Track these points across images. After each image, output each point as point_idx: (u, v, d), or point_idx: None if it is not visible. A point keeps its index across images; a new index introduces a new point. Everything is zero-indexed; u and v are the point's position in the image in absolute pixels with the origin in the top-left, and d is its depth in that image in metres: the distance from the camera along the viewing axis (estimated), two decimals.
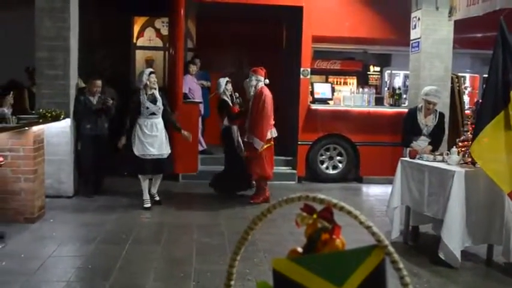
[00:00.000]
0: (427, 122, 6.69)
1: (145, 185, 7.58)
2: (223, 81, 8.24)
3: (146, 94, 7.43)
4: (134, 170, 7.63)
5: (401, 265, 1.02)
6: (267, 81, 7.99)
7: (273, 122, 8.00)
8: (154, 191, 7.82)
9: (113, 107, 8.15)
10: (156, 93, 7.51)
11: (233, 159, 8.24)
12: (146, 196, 7.58)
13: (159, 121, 7.49)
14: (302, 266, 1.04)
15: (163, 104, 7.54)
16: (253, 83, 7.90)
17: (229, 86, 8.28)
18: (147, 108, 7.38)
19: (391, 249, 1.03)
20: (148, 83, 7.40)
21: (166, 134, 7.59)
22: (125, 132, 7.48)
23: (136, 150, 7.35)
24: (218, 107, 8.33)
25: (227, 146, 8.36)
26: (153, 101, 7.44)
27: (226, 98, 8.20)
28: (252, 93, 7.90)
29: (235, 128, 8.24)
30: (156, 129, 7.44)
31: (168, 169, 7.77)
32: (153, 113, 7.43)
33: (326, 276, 1.03)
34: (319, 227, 1.09)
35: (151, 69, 7.98)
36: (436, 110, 6.71)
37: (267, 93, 7.86)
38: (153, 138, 7.40)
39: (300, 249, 1.12)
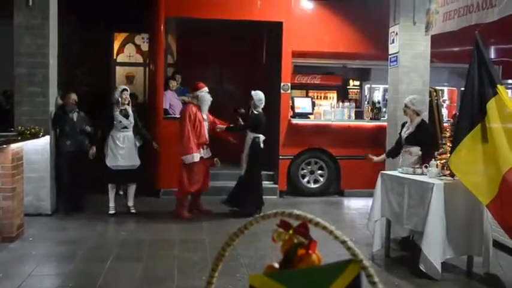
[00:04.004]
0: (406, 130, 6.77)
1: (111, 193, 8.05)
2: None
3: (119, 109, 7.94)
4: (104, 180, 8.06)
5: (376, 279, 1.03)
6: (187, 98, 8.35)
7: (204, 141, 8.04)
8: (130, 203, 8.22)
9: (92, 131, 8.24)
10: (129, 108, 8.05)
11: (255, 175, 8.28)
12: (112, 204, 8.06)
13: (130, 134, 8.02)
14: (278, 282, 1.04)
15: (134, 119, 8.03)
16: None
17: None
18: (120, 122, 7.93)
19: (366, 263, 1.04)
20: (120, 99, 7.94)
21: (136, 147, 8.08)
22: (95, 142, 8.02)
23: (109, 161, 7.88)
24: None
25: (253, 160, 8.25)
26: (126, 115, 7.99)
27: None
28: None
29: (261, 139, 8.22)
30: (128, 141, 7.98)
31: (138, 179, 8.17)
32: (125, 127, 7.98)
33: None
34: (295, 242, 1.10)
35: (124, 86, 8.38)
36: (420, 120, 6.81)
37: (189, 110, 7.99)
38: (124, 150, 7.93)
39: (276, 265, 1.13)
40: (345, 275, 1.05)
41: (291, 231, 1.11)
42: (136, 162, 8.04)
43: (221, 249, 1.14)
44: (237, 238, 1.13)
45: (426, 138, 6.71)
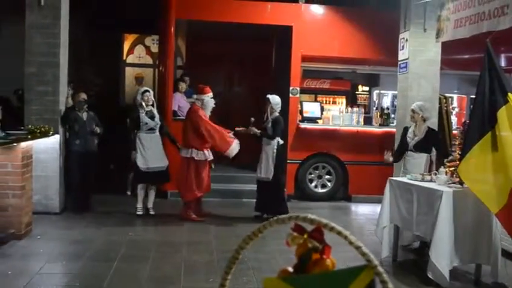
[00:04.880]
0: (413, 136, 6.75)
1: (141, 194, 8.09)
2: None
3: (144, 111, 7.92)
4: (135, 180, 8.17)
5: (390, 285, 1.03)
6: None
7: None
8: (150, 205, 8.22)
9: (101, 131, 8.28)
10: (154, 110, 8.05)
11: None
12: (140, 204, 8.09)
13: (156, 135, 8.06)
14: (293, 286, 1.05)
15: (160, 120, 8.07)
16: None
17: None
18: (146, 123, 7.94)
19: (380, 269, 1.04)
20: (142, 102, 7.92)
21: (163, 148, 8.13)
22: (135, 147, 7.99)
23: (140, 163, 7.90)
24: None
25: (280, 164, 8.22)
26: (151, 117, 8.00)
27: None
28: None
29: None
30: (155, 142, 8.02)
31: (167, 179, 8.25)
32: (152, 128, 7.99)
33: None
34: (309, 247, 1.11)
35: (145, 88, 8.37)
36: (426, 127, 6.79)
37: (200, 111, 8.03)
38: (152, 151, 7.95)
39: (290, 269, 1.13)
40: (359, 281, 1.05)
41: (305, 236, 1.11)
42: (165, 163, 8.08)
43: (235, 251, 1.15)
44: (251, 241, 1.14)
45: (437, 145, 6.70)
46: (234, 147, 7.91)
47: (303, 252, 1.11)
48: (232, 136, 8.06)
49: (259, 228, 1.13)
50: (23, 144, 6.60)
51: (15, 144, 6.42)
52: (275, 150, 8.02)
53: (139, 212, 8.07)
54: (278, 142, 8.06)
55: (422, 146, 6.65)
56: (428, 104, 7.26)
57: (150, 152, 7.94)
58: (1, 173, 6.43)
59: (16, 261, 5.70)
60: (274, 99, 8.13)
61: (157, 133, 8.06)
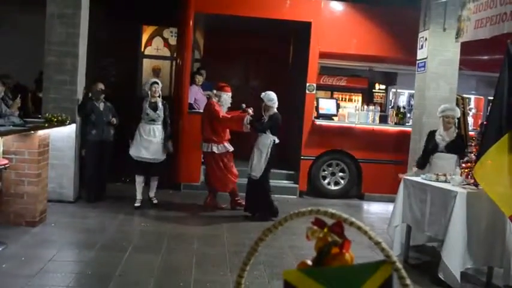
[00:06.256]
0: (444, 137, 6.69)
1: (138, 186, 8.06)
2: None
3: (149, 102, 7.95)
4: (131, 170, 8.17)
5: (408, 281, 1.04)
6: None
7: (227, 138, 8.17)
8: (152, 194, 8.27)
9: (118, 122, 8.32)
10: (159, 101, 8.03)
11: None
12: (139, 196, 8.07)
13: (157, 128, 7.99)
14: (312, 278, 1.06)
15: (164, 113, 8.01)
16: None
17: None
18: (147, 114, 7.93)
19: (399, 265, 1.05)
20: (150, 92, 7.97)
21: (163, 141, 8.02)
22: (170, 137, 8.13)
23: (132, 151, 7.95)
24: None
25: (270, 163, 7.90)
26: (154, 108, 7.96)
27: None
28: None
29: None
30: (154, 134, 7.95)
31: (158, 173, 8.19)
32: (153, 120, 7.95)
33: None
34: (329, 240, 1.11)
35: (154, 80, 8.44)
36: (456, 129, 6.76)
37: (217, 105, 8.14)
38: (149, 143, 7.91)
39: (309, 262, 1.14)
40: (377, 276, 1.06)
41: (325, 230, 1.12)
42: (159, 156, 7.99)
43: (254, 243, 1.16)
44: (271, 233, 1.15)
45: (464, 146, 6.64)
46: (247, 119, 7.82)
47: (323, 245, 1.12)
48: (228, 138, 8.18)
49: (280, 221, 1.14)
50: (40, 132, 6.66)
51: (32, 132, 6.49)
52: (269, 149, 7.70)
53: (137, 204, 8.01)
54: (274, 141, 7.73)
55: (453, 147, 6.59)
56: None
57: (146, 143, 7.89)
58: (18, 160, 6.50)
59: (30, 248, 5.78)
60: (268, 95, 7.84)
61: (159, 125, 7.98)
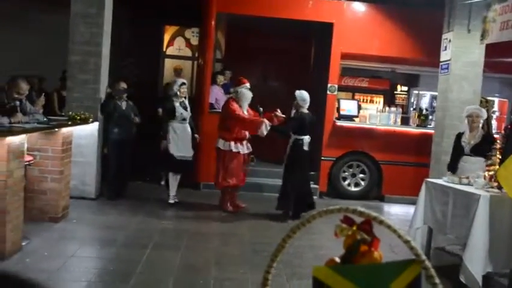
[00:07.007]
0: (469, 140, 6.61)
1: (175, 183, 8.22)
2: None
3: (178, 102, 8.11)
4: (169, 169, 8.26)
5: (437, 280, 1.03)
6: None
7: (243, 137, 8.07)
8: (173, 193, 8.33)
9: (139, 121, 8.45)
10: (186, 101, 8.22)
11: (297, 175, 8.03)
12: (173, 192, 8.24)
13: (188, 126, 8.24)
14: (341, 275, 1.06)
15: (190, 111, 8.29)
16: None
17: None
18: (181, 114, 8.13)
19: (428, 264, 1.04)
20: (178, 92, 8.11)
21: (192, 138, 8.31)
22: (165, 136, 8.15)
23: (173, 151, 8.03)
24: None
25: (294, 163, 7.98)
26: (185, 108, 8.21)
27: None
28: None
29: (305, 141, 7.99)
30: (186, 132, 8.20)
31: (191, 168, 8.55)
32: (184, 119, 8.17)
33: (363, 287, 1.05)
34: (358, 238, 1.12)
35: (183, 80, 8.53)
36: (483, 131, 6.67)
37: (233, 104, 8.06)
38: (183, 141, 8.14)
39: (337, 259, 1.14)
40: (406, 274, 1.06)
41: (354, 227, 1.12)
42: (191, 153, 8.26)
43: (282, 240, 1.16)
44: (299, 231, 1.15)
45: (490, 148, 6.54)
46: (264, 127, 7.73)
47: (352, 243, 1.12)
48: (245, 137, 8.07)
49: (308, 219, 1.14)
50: (64, 129, 6.75)
51: (56, 129, 6.58)
52: (289, 148, 7.95)
53: (172, 201, 8.20)
54: (298, 140, 7.87)
55: (480, 150, 6.49)
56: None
57: (181, 142, 8.11)
58: (42, 157, 6.58)
59: (52, 243, 5.86)
60: (302, 95, 7.93)
61: (188, 124, 8.22)
